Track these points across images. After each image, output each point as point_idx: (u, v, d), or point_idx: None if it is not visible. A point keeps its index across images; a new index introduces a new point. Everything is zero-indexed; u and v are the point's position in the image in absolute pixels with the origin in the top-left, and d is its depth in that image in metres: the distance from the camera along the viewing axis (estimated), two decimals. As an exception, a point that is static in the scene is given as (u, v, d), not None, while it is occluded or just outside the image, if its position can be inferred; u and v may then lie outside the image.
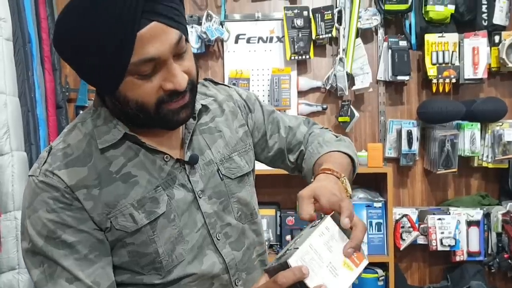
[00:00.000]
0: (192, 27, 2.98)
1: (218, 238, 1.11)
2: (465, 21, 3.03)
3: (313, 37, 3.04)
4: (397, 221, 2.98)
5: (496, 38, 3.01)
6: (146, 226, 1.03)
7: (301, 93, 3.16)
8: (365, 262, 0.92)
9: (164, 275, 1.05)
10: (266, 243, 2.07)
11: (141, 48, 0.90)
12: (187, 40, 0.99)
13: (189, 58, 0.99)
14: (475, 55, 2.98)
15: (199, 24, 3.02)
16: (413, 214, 3.05)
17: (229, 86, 1.29)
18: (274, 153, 1.32)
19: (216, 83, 1.28)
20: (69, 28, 0.91)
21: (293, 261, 0.86)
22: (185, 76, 0.97)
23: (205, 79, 1.28)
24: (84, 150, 1.03)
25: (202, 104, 1.16)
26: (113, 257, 1.04)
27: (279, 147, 1.31)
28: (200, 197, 1.09)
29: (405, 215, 3.01)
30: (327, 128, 1.40)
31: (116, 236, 1.02)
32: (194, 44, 3.00)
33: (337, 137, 1.32)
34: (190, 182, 1.09)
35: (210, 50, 3.17)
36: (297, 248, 0.88)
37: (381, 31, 3.12)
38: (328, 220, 0.92)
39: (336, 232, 0.92)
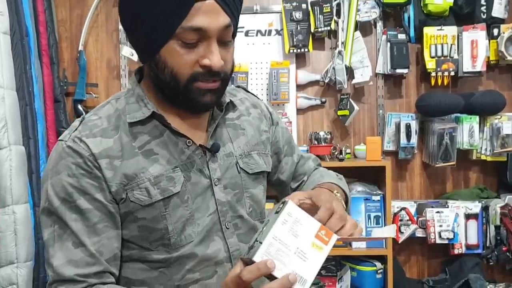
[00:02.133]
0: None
1: (227, 227, 1.14)
2: (464, 14, 3.02)
3: (312, 30, 3.04)
4: (395, 214, 2.98)
5: (495, 31, 3.00)
6: (159, 202, 1.07)
7: (300, 87, 3.15)
8: (334, 238, 0.92)
9: (171, 252, 1.09)
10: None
11: (194, 16, 0.99)
12: (233, 37, 1.08)
13: (230, 53, 1.08)
14: (473, 48, 2.98)
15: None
16: (412, 207, 3.06)
17: (258, 97, 1.36)
18: (285, 178, 1.38)
19: (247, 91, 1.34)
20: None
21: (258, 257, 0.87)
22: (222, 61, 1.03)
23: (238, 86, 1.35)
24: (113, 124, 1.10)
25: (231, 100, 1.21)
26: (123, 230, 1.09)
27: (290, 171, 1.37)
28: (216, 185, 1.13)
29: (404, 208, 3.01)
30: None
31: (130, 208, 1.07)
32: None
33: (338, 176, 1.36)
34: (208, 169, 1.13)
35: (209, 44, 3.15)
36: (261, 242, 0.88)
37: (379, 24, 3.11)
38: (290, 205, 0.92)
39: (299, 215, 0.91)
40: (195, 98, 1.06)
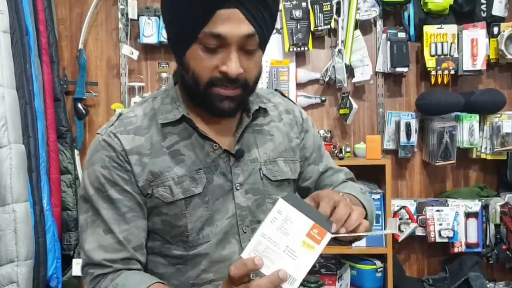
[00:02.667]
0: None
1: (244, 231, 1.17)
2: (464, 12, 3.02)
3: (312, 28, 3.03)
4: (395, 213, 2.98)
5: (495, 30, 3.00)
6: (181, 200, 1.12)
7: (300, 85, 3.15)
8: (328, 236, 0.90)
9: (188, 249, 1.14)
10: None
11: (216, 23, 1.02)
12: (261, 48, 1.11)
13: (254, 62, 1.10)
14: (473, 47, 2.97)
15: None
16: (412, 205, 3.06)
17: (294, 103, 1.37)
18: (308, 186, 1.35)
19: (283, 95, 1.36)
20: None
21: (245, 254, 0.87)
22: (241, 69, 1.05)
23: (276, 90, 1.37)
24: (147, 122, 1.16)
25: (260, 107, 1.23)
26: (149, 222, 1.15)
27: (313, 180, 1.35)
28: (237, 189, 1.17)
29: (404, 207, 3.01)
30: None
31: (154, 203, 1.13)
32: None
33: (361, 190, 1.34)
34: (231, 173, 1.16)
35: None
36: (251, 240, 0.89)
37: (379, 23, 3.11)
38: (280, 203, 0.91)
39: (290, 213, 0.90)
40: (213, 102, 1.09)
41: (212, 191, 1.14)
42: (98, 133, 1.16)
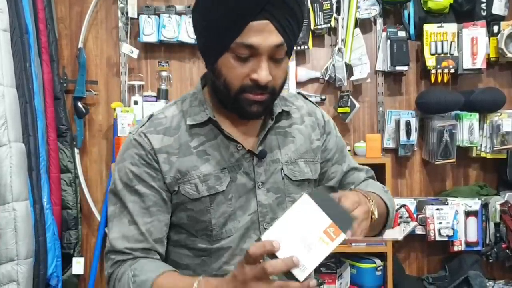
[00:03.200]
0: (190, 17, 2.97)
1: (265, 227, 1.23)
2: (464, 11, 3.02)
3: (312, 27, 3.03)
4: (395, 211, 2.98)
5: (495, 28, 3.00)
6: (206, 197, 1.20)
7: (300, 84, 3.15)
8: (342, 237, 0.94)
9: (212, 243, 1.22)
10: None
11: (248, 33, 1.09)
12: (288, 56, 1.18)
13: (282, 69, 1.17)
14: (473, 45, 2.98)
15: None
16: (411, 204, 3.06)
17: (316, 105, 1.43)
18: (333, 185, 1.39)
19: (306, 98, 1.42)
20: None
21: (265, 237, 0.92)
22: (270, 77, 1.12)
23: (298, 93, 1.45)
24: (175, 124, 1.24)
25: (283, 110, 1.30)
26: (175, 217, 1.23)
27: (337, 180, 1.40)
28: (259, 188, 1.24)
29: (403, 206, 3.01)
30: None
31: (180, 200, 1.21)
32: (193, 35, 3.00)
33: (383, 188, 1.39)
34: (254, 172, 1.23)
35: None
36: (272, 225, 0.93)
37: (379, 21, 3.11)
38: (304, 198, 0.96)
39: (312, 208, 0.95)
40: (243, 107, 1.16)
41: (235, 189, 1.21)
42: (130, 133, 1.24)
